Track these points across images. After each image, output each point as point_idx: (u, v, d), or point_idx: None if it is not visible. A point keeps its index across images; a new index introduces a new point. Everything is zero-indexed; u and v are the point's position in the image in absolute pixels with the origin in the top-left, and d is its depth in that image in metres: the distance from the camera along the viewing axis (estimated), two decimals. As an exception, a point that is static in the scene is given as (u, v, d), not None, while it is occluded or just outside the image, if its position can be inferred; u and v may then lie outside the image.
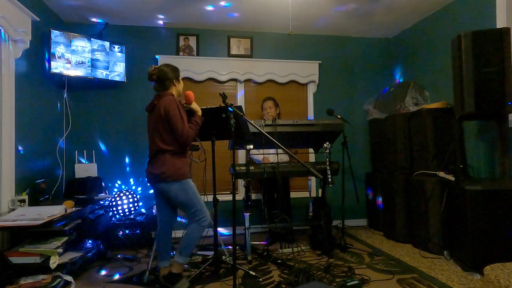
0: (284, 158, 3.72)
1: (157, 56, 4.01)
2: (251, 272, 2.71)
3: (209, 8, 3.60)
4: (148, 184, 2.48)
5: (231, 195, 2.39)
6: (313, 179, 3.92)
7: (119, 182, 3.96)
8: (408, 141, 3.59)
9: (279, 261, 3.00)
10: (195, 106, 2.50)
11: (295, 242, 3.50)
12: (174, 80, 2.45)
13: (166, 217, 2.53)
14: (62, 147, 3.71)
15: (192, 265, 2.93)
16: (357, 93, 4.53)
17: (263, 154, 3.62)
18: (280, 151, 3.38)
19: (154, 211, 3.86)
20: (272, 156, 3.67)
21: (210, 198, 2.78)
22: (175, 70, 2.48)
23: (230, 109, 2.36)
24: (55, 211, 2.45)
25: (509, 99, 2.56)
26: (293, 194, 4.24)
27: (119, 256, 3.25)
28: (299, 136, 3.27)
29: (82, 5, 3.51)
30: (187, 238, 2.42)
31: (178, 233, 3.32)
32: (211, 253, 3.00)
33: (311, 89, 4.45)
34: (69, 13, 3.68)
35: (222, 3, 3.51)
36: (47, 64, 3.34)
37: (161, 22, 3.97)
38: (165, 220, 2.53)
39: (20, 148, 2.89)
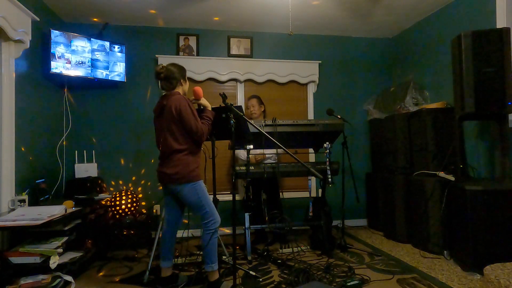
0: (272, 157, 3.71)
1: (157, 56, 4.01)
2: (251, 272, 2.71)
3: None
4: (160, 183, 2.46)
5: (231, 195, 2.38)
6: (313, 179, 3.92)
7: (119, 182, 3.95)
8: (408, 141, 3.59)
9: (279, 261, 3.00)
10: (204, 101, 2.49)
11: (290, 242, 3.49)
12: (181, 80, 2.44)
13: (173, 217, 2.52)
14: (62, 147, 3.71)
15: (192, 265, 2.93)
16: (357, 93, 4.53)
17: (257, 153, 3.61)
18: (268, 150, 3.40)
19: (154, 211, 3.86)
20: (259, 153, 3.64)
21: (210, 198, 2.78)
22: (182, 69, 2.48)
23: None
24: (55, 211, 2.45)
25: (509, 99, 2.56)
26: (293, 194, 4.25)
27: (119, 256, 3.25)
28: (299, 136, 3.27)
29: (82, 5, 3.51)
30: (206, 248, 2.38)
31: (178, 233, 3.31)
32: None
33: (311, 89, 4.45)
34: (69, 13, 3.69)
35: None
36: (47, 64, 3.33)
37: (161, 20, 3.97)
38: (172, 220, 2.52)
39: (20, 148, 2.88)
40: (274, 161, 3.61)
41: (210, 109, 2.49)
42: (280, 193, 3.58)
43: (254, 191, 3.55)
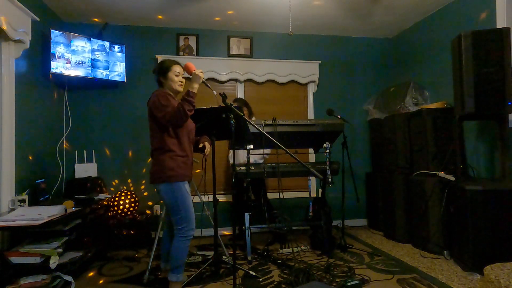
0: (258, 158, 3.67)
1: (157, 56, 4.01)
2: (251, 272, 2.71)
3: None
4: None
5: (228, 195, 2.38)
6: (313, 179, 3.92)
7: (119, 182, 3.95)
8: (408, 141, 3.59)
9: (279, 261, 3.00)
10: (192, 75, 2.24)
11: (290, 242, 3.49)
12: (160, 77, 2.35)
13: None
14: (62, 147, 3.70)
15: (192, 265, 2.93)
16: (357, 93, 4.53)
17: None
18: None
19: (154, 211, 3.86)
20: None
21: (210, 198, 2.78)
22: (161, 66, 2.36)
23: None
24: (55, 211, 2.45)
25: (509, 99, 2.56)
26: (293, 194, 4.25)
27: (119, 256, 3.25)
28: (299, 136, 3.27)
29: (82, 5, 3.51)
30: (174, 253, 2.28)
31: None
32: (211, 253, 3.00)
33: (311, 89, 4.45)
34: (69, 13, 3.68)
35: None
36: (47, 64, 3.33)
37: (161, 20, 3.97)
38: (171, 221, 2.50)
39: (20, 148, 2.88)
40: (261, 161, 3.60)
41: (194, 86, 2.21)
42: (275, 193, 3.56)
43: (240, 192, 3.44)
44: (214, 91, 2.29)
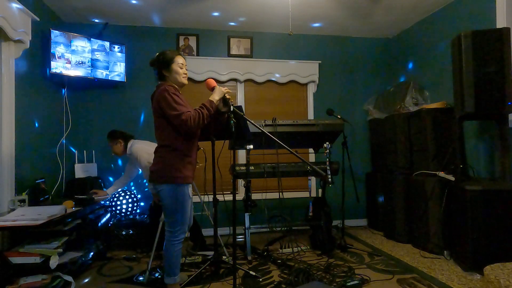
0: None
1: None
2: (251, 272, 2.71)
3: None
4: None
5: (231, 195, 2.37)
6: (313, 179, 3.92)
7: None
8: (408, 141, 3.59)
9: (279, 261, 3.00)
10: (216, 89, 2.24)
11: (290, 242, 3.49)
12: (163, 70, 2.21)
13: None
14: (62, 147, 3.70)
15: (192, 265, 2.93)
16: (357, 93, 4.53)
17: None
18: None
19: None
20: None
21: (210, 198, 2.78)
22: (162, 58, 2.21)
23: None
24: (55, 211, 2.45)
25: (509, 99, 2.56)
26: (293, 194, 4.25)
27: (119, 256, 3.25)
28: (299, 136, 3.27)
29: (82, 5, 3.51)
30: (166, 256, 2.22)
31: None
32: (211, 253, 3.00)
33: (311, 89, 4.45)
34: (69, 13, 3.68)
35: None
36: (47, 64, 3.33)
37: (161, 20, 3.97)
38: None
39: (20, 148, 2.88)
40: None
41: (215, 99, 2.21)
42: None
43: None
44: (232, 106, 2.23)
